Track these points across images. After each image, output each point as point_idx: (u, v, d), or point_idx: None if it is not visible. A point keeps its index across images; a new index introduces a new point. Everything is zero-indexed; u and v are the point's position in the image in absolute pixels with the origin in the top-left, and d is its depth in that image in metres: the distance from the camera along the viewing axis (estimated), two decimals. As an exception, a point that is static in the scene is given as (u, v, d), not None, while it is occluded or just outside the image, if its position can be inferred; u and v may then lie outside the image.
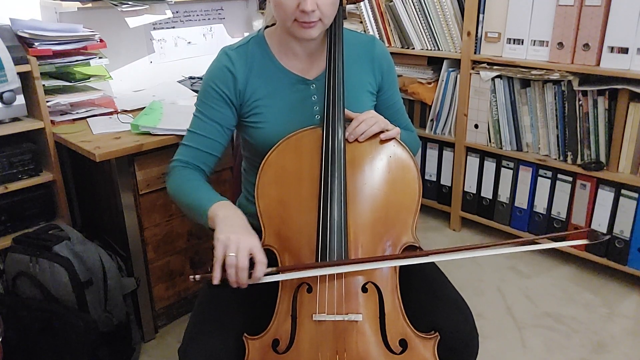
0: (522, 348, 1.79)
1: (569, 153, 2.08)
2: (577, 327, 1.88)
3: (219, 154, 1.23)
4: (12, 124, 1.70)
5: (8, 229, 1.72)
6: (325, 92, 1.11)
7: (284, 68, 1.20)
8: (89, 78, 1.89)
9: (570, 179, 2.11)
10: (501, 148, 2.28)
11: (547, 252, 2.29)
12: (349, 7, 2.61)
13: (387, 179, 1.09)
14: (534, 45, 2.07)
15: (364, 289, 1.01)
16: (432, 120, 2.48)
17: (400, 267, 1.05)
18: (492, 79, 2.20)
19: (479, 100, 2.28)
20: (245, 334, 1.01)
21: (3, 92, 1.62)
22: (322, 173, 1.05)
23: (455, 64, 2.34)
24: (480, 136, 2.33)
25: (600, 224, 2.05)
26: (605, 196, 2.01)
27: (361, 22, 2.56)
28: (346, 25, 1.22)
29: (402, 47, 2.47)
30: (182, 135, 1.53)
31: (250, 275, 0.97)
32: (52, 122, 1.77)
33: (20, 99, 1.68)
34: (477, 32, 2.21)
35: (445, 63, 2.38)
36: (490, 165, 2.34)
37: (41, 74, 1.70)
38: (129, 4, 1.93)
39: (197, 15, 2.44)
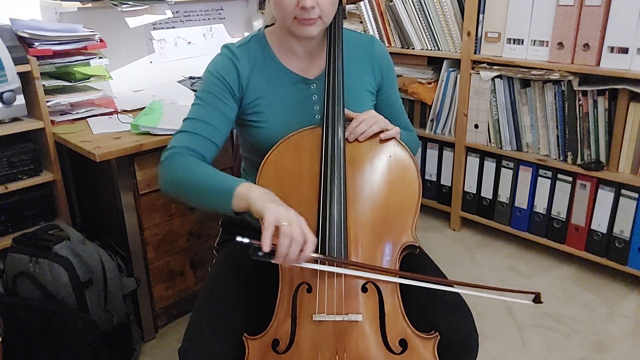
0: (522, 348, 1.79)
1: (569, 153, 2.08)
2: (577, 327, 1.88)
3: (219, 144, 1.17)
4: (12, 124, 1.70)
5: (8, 229, 1.72)
6: (325, 92, 1.11)
7: (285, 67, 1.20)
8: (89, 78, 1.89)
9: (570, 179, 2.10)
10: (501, 148, 2.28)
11: (547, 252, 2.29)
12: (349, 7, 2.62)
13: (387, 178, 1.09)
14: (534, 45, 2.07)
15: (364, 289, 1.01)
16: (432, 120, 2.48)
17: (400, 267, 1.05)
18: (492, 79, 2.20)
19: (479, 100, 2.28)
20: (245, 334, 1.01)
21: (3, 92, 1.62)
22: (322, 173, 1.05)
23: (455, 64, 2.34)
24: (480, 136, 2.33)
25: (600, 224, 2.05)
26: (605, 196, 2.01)
27: (361, 22, 2.56)
28: (346, 25, 1.22)
29: (402, 47, 2.47)
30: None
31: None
32: (52, 122, 1.77)
33: (20, 99, 1.68)
34: (477, 32, 2.21)
35: (445, 63, 2.38)
36: (490, 165, 2.34)
37: (41, 74, 1.70)
38: (129, 4, 1.93)
39: (197, 15, 2.44)
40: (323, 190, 1.04)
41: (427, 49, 2.40)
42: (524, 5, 2.05)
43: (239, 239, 0.93)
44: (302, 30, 1.09)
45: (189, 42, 2.41)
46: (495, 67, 2.19)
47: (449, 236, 2.50)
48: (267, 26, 1.25)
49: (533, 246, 2.33)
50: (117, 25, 2.10)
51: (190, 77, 2.33)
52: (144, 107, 1.88)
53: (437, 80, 2.42)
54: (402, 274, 1.03)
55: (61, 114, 1.83)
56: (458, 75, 2.32)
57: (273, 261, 0.93)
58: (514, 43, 2.12)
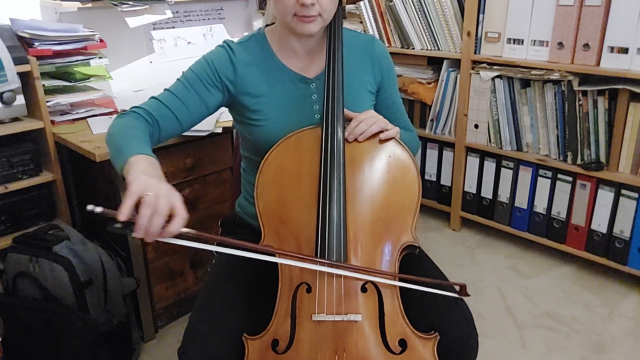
0: (522, 348, 1.79)
1: (569, 153, 2.07)
2: (577, 327, 1.88)
3: (185, 126, 1.17)
4: (12, 124, 1.70)
5: (8, 229, 1.72)
6: (324, 92, 1.11)
7: (284, 66, 1.20)
8: (89, 78, 1.89)
9: (570, 179, 2.10)
10: (501, 148, 2.28)
11: (547, 252, 2.29)
12: (349, 7, 2.62)
13: (386, 178, 1.09)
14: (534, 45, 2.07)
15: (364, 289, 1.01)
16: (432, 120, 2.48)
17: (400, 267, 1.05)
18: (492, 79, 2.20)
19: (479, 100, 2.28)
20: (244, 334, 1.01)
21: (3, 92, 1.62)
22: (322, 173, 1.05)
23: (455, 64, 2.34)
24: (480, 136, 2.32)
25: (600, 224, 2.05)
26: (605, 196, 2.01)
27: (361, 22, 2.55)
28: (346, 25, 1.22)
29: (402, 47, 2.47)
30: (182, 136, 1.54)
31: (163, 228, 0.86)
32: (52, 122, 1.77)
33: (20, 99, 1.68)
34: (477, 32, 2.21)
35: (445, 63, 2.38)
36: (490, 165, 2.34)
37: (41, 74, 1.70)
38: (129, 4, 1.94)
39: (197, 15, 2.44)
40: (322, 190, 1.04)
41: (427, 49, 2.40)
42: (524, 5, 2.05)
43: (89, 207, 0.84)
44: (301, 28, 1.10)
45: (189, 42, 2.41)
46: (495, 67, 2.19)
47: (449, 236, 2.50)
48: (267, 25, 1.25)
49: (533, 246, 2.33)
50: (117, 25, 2.10)
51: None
52: (144, 107, 1.88)
53: (437, 80, 2.42)
54: (399, 276, 1.03)
55: (61, 114, 1.83)
56: (458, 75, 2.32)
57: (133, 235, 0.85)
58: (514, 43, 2.12)
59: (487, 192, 2.38)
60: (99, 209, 0.83)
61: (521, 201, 2.27)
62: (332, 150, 1.06)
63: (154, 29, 2.29)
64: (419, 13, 2.35)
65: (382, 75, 1.27)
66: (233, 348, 1.01)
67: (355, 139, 1.09)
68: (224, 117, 1.78)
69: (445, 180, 2.53)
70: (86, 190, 1.98)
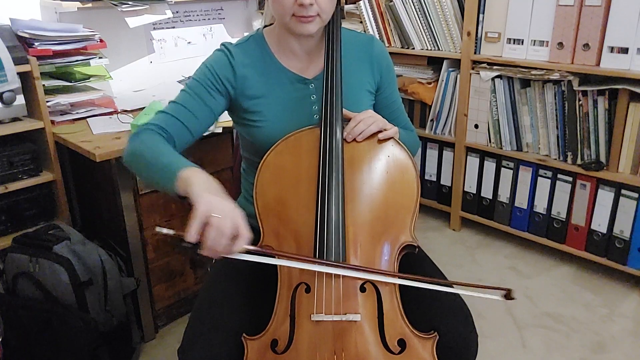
0: (522, 348, 1.79)
1: (569, 153, 2.07)
2: (577, 327, 1.88)
3: (195, 134, 1.17)
4: (12, 124, 1.70)
5: (8, 229, 1.73)
6: (323, 92, 1.11)
7: (283, 66, 1.20)
8: (89, 78, 1.89)
9: (570, 179, 2.10)
10: (501, 148, 2.28)
11: (547, 252, 2.29)
12: (349, 7, 2.62)
13: (385, 178, 1.09)
14: (534, 45, 2.07)
15: (363, 289, 1.01)
16: (432, 120, 2.48)
17: (400, 267, 1.05)
18: (492, 79, 2.20)
19: (479, 100, 2.28)
20: (244, 334, 1.01)
21: (3, 92, 1.63)
22: (320, 173, 1.05)
23: (455, 64, 2.34)
24: (480, 136, 2.32)
25: (600, 224, 2.05)
26: (605, 196, 2.01)
27: (361, 22, 2.55)
28: (346, 25, 1.22)
29: (402, 47, 2.47)
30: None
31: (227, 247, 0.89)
32: (52, 122, 1.77)
33: (20, 99, 1.68)
34: (477, 32, 2.21)
35: (445, 63, 2.38)
36: (490, 165, 2.34)
37: (41, 74, 1.70)
38: (129, 4, 1.94)
39: (197, 15, 2.44)
40: (321, 190, 1.04)
41: (427, 49, 2.40)
42: (524, 5, 2.05)
43: (158, 229, 0.88)
44: (300, 28, 1.10)
45: (189, 42, 2.41)
46: (495, 67, 2.19)
47: (449, 236, 2.50)
48: (265, 26, 1.25)
49: (533, 246, 2.33)
50: (117, 25, 2.10)
51: (190, 77, 2.33)
52: (144, 107, 1.88)
53: (437, 80, 2.42)
54: (399, 275, 1.03)
55: (61, 114, 1.84)
56: (458, 75, 2.32)
57: (199, 252, 0.89)
58: (514, 43, 2.12)
59: (487, 192, 2.38)
60: (168, 231, 0.88)
61: (521, 201, 2.27)
62: (331, 151, 1.06)
63: (154, 29, 2.29)
64: (419, 13, 2.35)
65: (381, 75, 1.27)
66: (232, 348, 1.01)
67: (354, 139, 1.10)
68: (223, 117, 1.78)
69: (445, 180, 2.53)
70: (86, 190, 1.98)
